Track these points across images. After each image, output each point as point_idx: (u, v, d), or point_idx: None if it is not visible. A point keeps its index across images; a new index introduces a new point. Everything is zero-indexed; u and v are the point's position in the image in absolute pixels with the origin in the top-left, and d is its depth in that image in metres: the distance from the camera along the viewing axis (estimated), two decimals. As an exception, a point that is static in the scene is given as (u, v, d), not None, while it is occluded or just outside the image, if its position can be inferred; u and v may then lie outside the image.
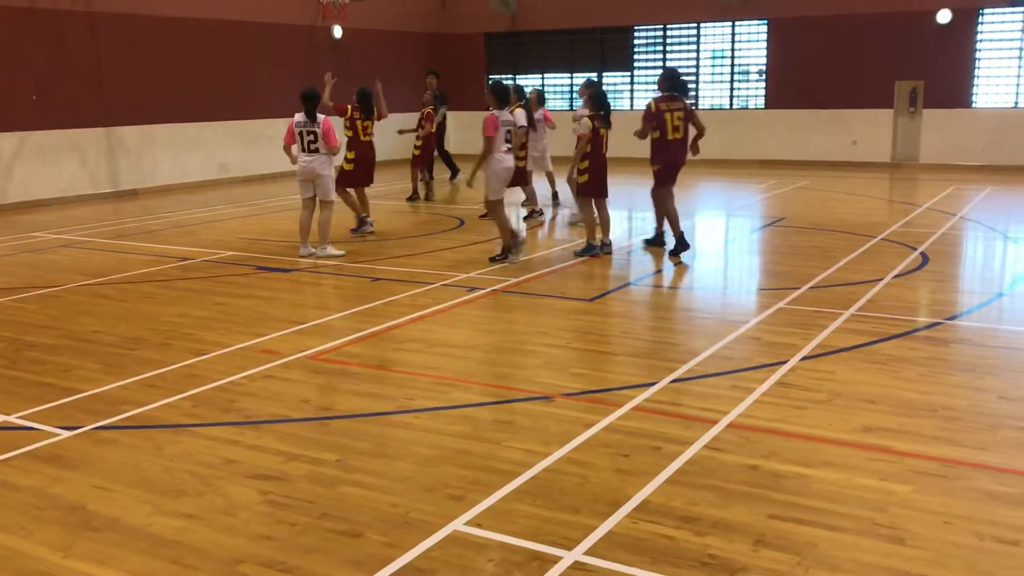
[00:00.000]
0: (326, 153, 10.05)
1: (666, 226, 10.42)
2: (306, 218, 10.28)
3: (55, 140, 15.58)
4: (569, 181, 10.21)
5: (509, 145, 9.70)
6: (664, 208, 10.30)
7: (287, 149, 10.19)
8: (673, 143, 10.06)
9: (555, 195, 13.96)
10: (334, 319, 7.58)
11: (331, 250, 10.24)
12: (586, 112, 11.57)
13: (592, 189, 9.99)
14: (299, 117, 9.99)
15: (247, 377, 6.02)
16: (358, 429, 5.10)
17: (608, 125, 9.98)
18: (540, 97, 13.08)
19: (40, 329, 7.40)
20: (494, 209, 9.77)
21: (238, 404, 5.52)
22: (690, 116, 10.15)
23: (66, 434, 5.06)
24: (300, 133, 9.99)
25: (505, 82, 11.44)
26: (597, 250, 10.05)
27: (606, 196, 10.20)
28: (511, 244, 9.74)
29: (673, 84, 10.10)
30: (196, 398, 5.64)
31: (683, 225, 12.12)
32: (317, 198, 10.21)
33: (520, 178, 12.19)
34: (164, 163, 17.45)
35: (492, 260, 9.78)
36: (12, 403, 5.59)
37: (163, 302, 8.30)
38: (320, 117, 10.00)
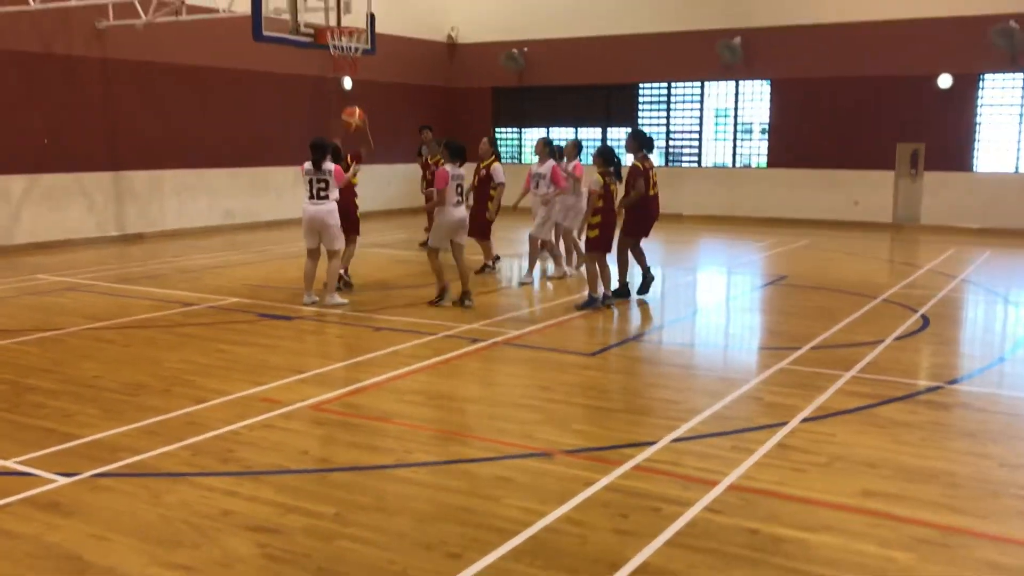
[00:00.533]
0: (335, 199, 10.14)
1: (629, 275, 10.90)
2: (311, 267, 10.33)
3: (64, 183, 15.72)
4: (575, 236, 10.38)
5: (459, 198, 10.05)
6: (625, 257, 10.81)
7: None
8: (652, 198, 10.69)
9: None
10: (336, 368, 7.58)
11: (337, 298, 10.27)
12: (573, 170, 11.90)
13: (601, 244, 10.12)
14: (307, 165, 10.09)
15: (247, 426, 6.01)
16: (357, 482, 5.09)
17: (620, 180, 10.23)
18: (577, 147, 12.53)
19: (41, 373, 7.40)
20: (432, 256, 10.22)
21: (237, 454, 5.51)
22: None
23: (64, 481, 5.05)
24: (309, 181, 10.07)
25: (493, 137, 11.67)
26: (599, 303, 10.10)
27: (611, 251, 10.29)
28: (445, 287, 10.25)
29: (643, 144, 10.67)
30: (195, 447, 5.63)
31: (685, 280, 12.15)
32: (323, 247, 10.26)
33: (481, 231, 12.23)
34: (171, 208, 17.58)
35: (431, 303, 10.26)
36: (11, 448, 5.58)
37: (165, 348, 8.31)
38: (329, 165, 10.09)
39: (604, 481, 5.04)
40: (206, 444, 5.67)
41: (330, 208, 10.11)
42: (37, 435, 5.83)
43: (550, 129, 23.65)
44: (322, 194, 10.05)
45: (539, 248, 12.12)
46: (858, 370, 7.53)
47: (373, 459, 5.46)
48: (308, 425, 6.11)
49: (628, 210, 10.53)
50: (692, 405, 6.62)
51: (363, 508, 4.70)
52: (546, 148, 12.11)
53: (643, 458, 5.43)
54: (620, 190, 10.34)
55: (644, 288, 10.88)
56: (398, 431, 6.00)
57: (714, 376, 7.68)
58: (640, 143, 10.69)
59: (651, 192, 10.64)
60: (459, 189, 10.05)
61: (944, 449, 5.69)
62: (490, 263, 12.64)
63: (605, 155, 10.12)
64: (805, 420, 6.20)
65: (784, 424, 6.09)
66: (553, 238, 12.42)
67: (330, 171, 10.04)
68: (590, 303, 10.08)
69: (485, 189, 12.17)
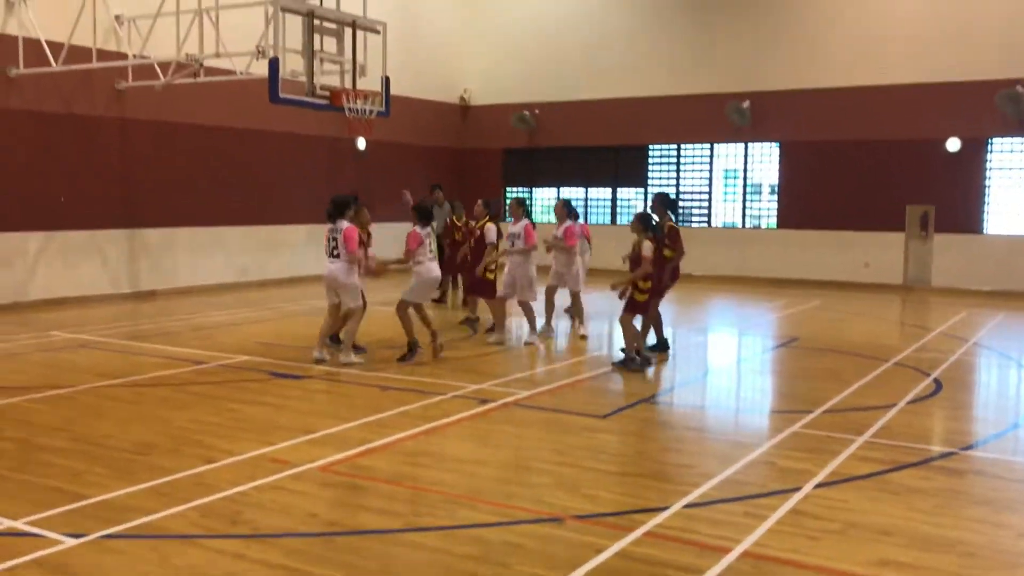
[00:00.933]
0: (346, 260, 10.18)
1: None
2: (327, 324, 10.39)
3: (80, 240, 15.88)
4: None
5: (432, 255, 10.60)
6: (654, 318, 11.07)
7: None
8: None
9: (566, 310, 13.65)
10: (345, 429, 7.56)
11: (352, 357, 10.27)
12: (558, 236, 12.00)
13: (646, 307, 10.30)
14: (330, 222, 10.28)
15: (256, 488, 5.98)
16: (365, 546, 5.04)
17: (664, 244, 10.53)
18: (567, 208, 12.56)
19: (52, 431, 7.40)
20: (401, 308, 10.54)
21: (246, 515, 5.48)
22: None
23: (72, 542, 5.02)
24: (328, 238, 10.22)
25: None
26: (637, 363, 10.10)
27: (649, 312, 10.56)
28: (414, 343, 10.48)
29: (670, 206, 11.24)
30: (204, 508, 5.60)
31: (696, 341, 12.19)
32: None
33: (486, 290, 12.28)
34: (184, 265, 17.71)
35: (400, 360, 10.40)
36: (19, 508, 5.56)
37: (176, 406, 8.31)
38: (342, 223, 10.17)
39: (615, 547, 4.99)
40: (215, 505, 5.65)
41: (342, 267, 10.16)
42: (46, 495, 5.82)
43: (560, 189, 23.87)
44: (335, 252, 10.14)
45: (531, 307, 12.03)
46: (871, 435, 7.47)
47: (381, 523, 5.42)
48: (317, 487, 6.08)
49: (667, 277, 10.92)
50: (704, 469, 6.57)
51: (371, 573, 4.66)
52: (520, 208, 12.10)
53: (655, 524, 5.37)
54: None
55: (662, 347, 11.18)
56: (407, 494, 5.97)
57: (726, 440, 7.63)
58: (667, 206, 11.16)
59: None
60: (429, 246, 10.55)
61: (959, 517, 5.61)
62: (473, 316, 12.76)
63: (646, 220, 10.25)
64: (818, 486, 6.14)
65: (797, 490, 6.03)
66: (545, 298, 12.39)
67: (340, 229, 10.12)
68: (629, 362, 10.10)
69: (480, 249, 12.42)
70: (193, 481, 6.12)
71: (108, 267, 16.42)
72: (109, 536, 5.11)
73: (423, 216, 10.67)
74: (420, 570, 4.71)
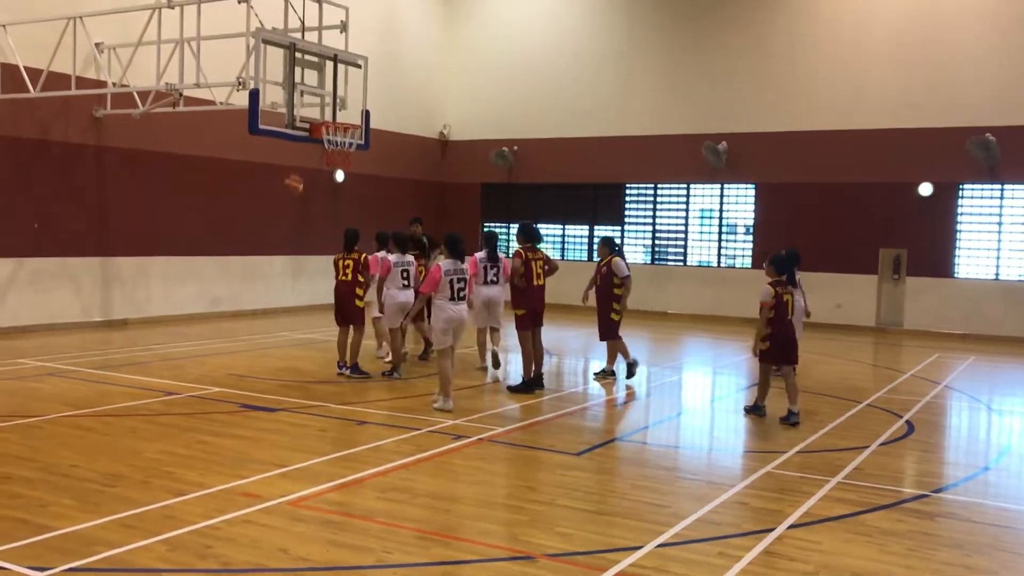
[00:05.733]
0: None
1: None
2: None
3: (51, 268, 15.72)
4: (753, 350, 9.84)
5: (405, 281, 11.78)
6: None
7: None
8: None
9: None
10: (317, 463, 7.49)
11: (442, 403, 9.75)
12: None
13: (772, 356, 9.69)
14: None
15: (226, 521, 5.90)
16: (336, 583, 4.98)
17: (795, 285, 9.83)
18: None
19: (18, 461, 7.27)
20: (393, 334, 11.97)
21: (215, 550, 5.39)
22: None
23: (36, 575, 4.92)
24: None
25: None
26: (763, 410, 9.91)
27: (793, 363, 9.78)
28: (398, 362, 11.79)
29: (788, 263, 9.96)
30: (172, 542, 5.51)
31: (670, 380, 12.17)
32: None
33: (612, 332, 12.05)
34: (157, 294, 17.56)
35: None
36: (-18, 539, 5.45)
37: (145, 437, 8.20)
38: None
39: (588, 587, 4.96)
40: (183, 539, 5.56)
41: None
42: (10, 526, 5.71)
43: (537, 224, 23.89)
44: (461, 294, 9.85)
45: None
46: (844, 476, 7.50)
47: (352, 559, 5.35)
48: (288, 521, 6.00)
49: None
50: (678, 509, 6.55)
51: (342, 611, 4.60)
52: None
53: (628, 563, 5.35)
54: (796, 300, 9.97)
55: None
56: (379, 530, 5.91)
57: (700, 479, 7.62)
58: (528, 235, 11.41)
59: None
60: (404, 274, 11.71)
61: (931, 561, 5.63)
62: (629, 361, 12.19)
63: (778, 263, 9.69)
64: (792, 527, 6.15)
65: (771, 530, 6.03)
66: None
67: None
68: (755, 409, 9.98)
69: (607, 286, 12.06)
70: (162, 514, 6.03)
71: (80, 295, 16.24)
72: (74, 569, 5.02)
73: (399, 244, 11.99)
74: (391, 608, 4.66)
